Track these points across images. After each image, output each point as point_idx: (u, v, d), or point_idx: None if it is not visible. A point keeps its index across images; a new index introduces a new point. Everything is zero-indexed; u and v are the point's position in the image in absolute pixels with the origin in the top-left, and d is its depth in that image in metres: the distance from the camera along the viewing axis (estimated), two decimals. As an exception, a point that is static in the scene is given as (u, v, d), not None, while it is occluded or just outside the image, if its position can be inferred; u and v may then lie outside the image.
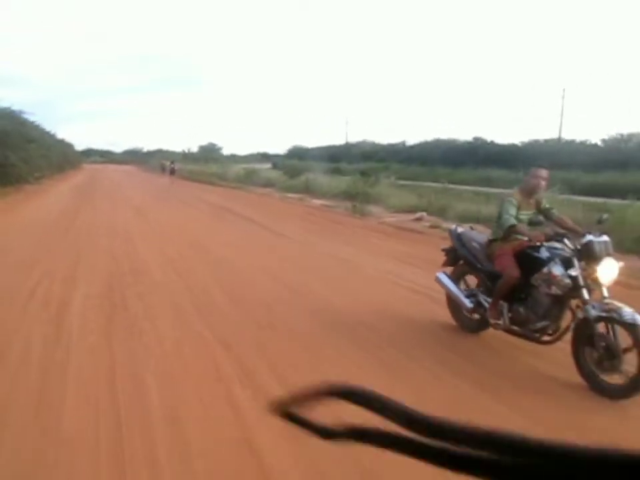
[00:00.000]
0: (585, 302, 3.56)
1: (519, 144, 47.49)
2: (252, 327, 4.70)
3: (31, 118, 27.67)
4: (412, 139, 66.51)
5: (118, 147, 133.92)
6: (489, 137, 51.73)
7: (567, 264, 3.69)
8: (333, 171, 33.43)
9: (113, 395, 3.25)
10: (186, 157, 65.56)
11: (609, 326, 3.45)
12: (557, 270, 3.72)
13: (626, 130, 45.74)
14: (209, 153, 75.56)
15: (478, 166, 40.41)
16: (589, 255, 3.60)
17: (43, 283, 6.15)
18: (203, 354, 4.02)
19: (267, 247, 9.28)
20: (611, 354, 3.39)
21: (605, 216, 4.19)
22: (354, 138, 70.85)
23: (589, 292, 3.59)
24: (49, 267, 6.98)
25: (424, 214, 12.92)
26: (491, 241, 4.40)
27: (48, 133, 37.41)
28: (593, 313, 3.46)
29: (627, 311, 3.34)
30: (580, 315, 3.59)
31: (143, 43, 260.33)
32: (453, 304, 4.75)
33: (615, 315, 3.38)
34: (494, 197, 13.39)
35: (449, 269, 4.89)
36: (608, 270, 3.57)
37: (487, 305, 4.31)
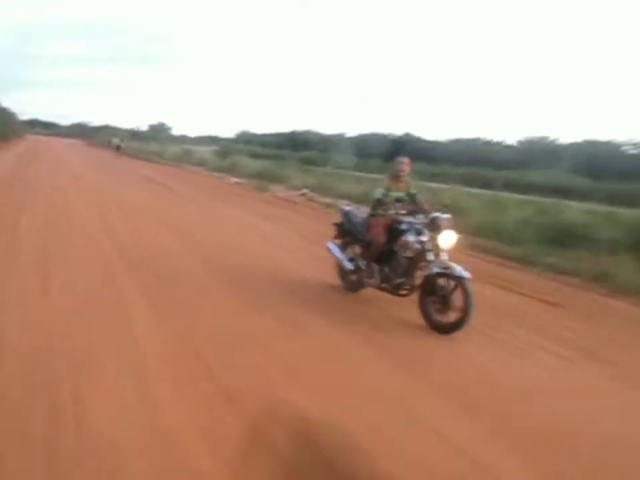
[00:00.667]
0: (429, 262, 4.72)
1: (444, 141, 52.38)
2: (144, 239, 8.02)
3: None
4: (353, 131, 70.36)
5: (65, 120, 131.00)
6: (420, 133, 56.44)
7: (419, 234, 4.88)
8: (275, 156, 36.43)
9: (43, 238, 6.52)
10: (134, 135, 66.39)
11: (446, 280, 4.58)
12: (410, 237, 4.92)
13: (541, 133, 51.03)
14: (158, 133, 76.51)
15: None
16: (434, 227, 4.78)
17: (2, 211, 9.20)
18: (94, 241, 7.31)
19: (172, 206, 12.53)
20: (446, 301, 4.54)
21: (449, 202, 6.17)
22: (302, 127, 74.35)
23: (434, 255, 4.74)
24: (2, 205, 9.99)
25: (307, 190, 16.43)
26: (369, 216, 5.54)
27: None
28: (435, 270, 4.63)
29: (458, 268, 4.49)
30: (426, 272, 4.74)
31: (99, 11, 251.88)
32: (339, 268, 5.88)
33: (449, 271, 4.53)
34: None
35: (341, 242, 5.99)
36: (447, 239, 4.70)
37: (364, 268, 5.48)
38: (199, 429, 2.73)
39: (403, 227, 5.06)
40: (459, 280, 4.43)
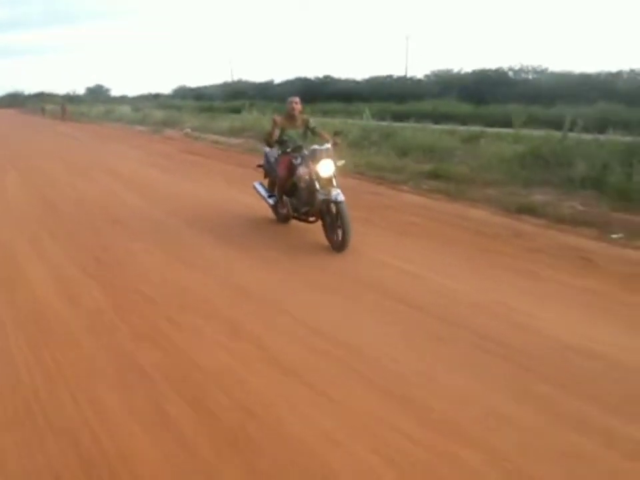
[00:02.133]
0: (317, 191, 5.12)
1: (361, 80, 56.27)
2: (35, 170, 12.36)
3: None
4: (280, 78, 73.45)
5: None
6: (340, 75, 59.95)
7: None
8: (207, 108, 39.48)
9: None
10: (71, 99, 67.43)
11: (332, 204, 5.07)
12: (300, 170, 5.38)
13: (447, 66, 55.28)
14: (97, 95, 77.10)
15: (325, 101, 48.18)
16: (313, 158, 5.15)
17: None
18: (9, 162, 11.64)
19: (69, 148, 16.77)
20: (332, 222, 5.13)
21: (339, 130, 6.40)
22: (235, 77, 76.45)
23: (320, 183, 5.12)
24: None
25: (189, 130, 20.69)
26: (279, 155, 5.96)
27: None
28: (319, 197, 5.09)
29: (334, 193, 4.98)
30: (316, 199, 5.16)
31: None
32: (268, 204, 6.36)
33: (329, 197, 5.01)
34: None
35: (266, 181, 6.57)
36: (325, 168, 5.09)
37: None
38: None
39: (296, 161, 5.52)
40: (336, 204, 4.97)
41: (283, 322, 3.59)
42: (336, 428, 2.42)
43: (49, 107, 47.40)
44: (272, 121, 5.94)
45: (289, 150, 5.63)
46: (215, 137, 17.90)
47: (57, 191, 8.88)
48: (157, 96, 76.54)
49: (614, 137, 8.72)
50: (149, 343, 3.32)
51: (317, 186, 5.13)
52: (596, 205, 6.61)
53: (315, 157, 5.15)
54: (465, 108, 32.82)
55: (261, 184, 6.63)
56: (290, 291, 4.18)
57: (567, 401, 2.63)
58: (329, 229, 5.21)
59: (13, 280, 4.66)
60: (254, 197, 6.93)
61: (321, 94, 50.00)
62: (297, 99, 5.89)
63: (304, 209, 5.59)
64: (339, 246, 5.03)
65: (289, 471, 2.16)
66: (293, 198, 5.81)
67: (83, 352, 3.25)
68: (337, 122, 15.26)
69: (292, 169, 5.63)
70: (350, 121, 15.87)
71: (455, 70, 50.91)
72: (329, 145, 5.27)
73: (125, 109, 34.81)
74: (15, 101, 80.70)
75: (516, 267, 4.62)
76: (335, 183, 5.14)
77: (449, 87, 44.04)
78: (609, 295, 3.97)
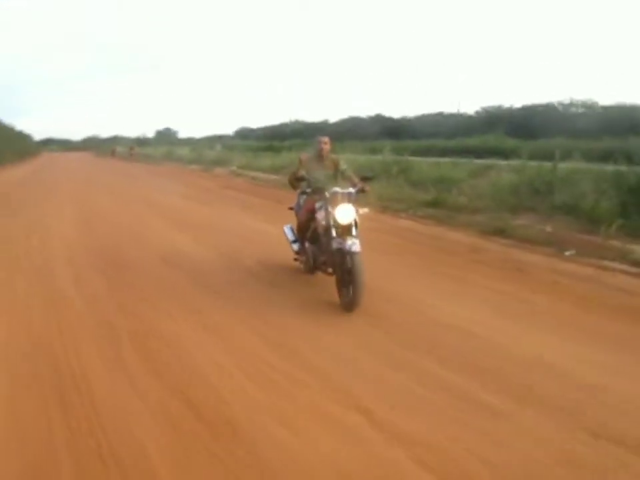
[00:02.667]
0: (332, 238, 4.49)
1: (411, 117, 57.41)
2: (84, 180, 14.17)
3: None
4: (335, 117, 75.97)
5: (77, 135, 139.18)
6: (390, 112, 61.54)
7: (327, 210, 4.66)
8: (264, 147, 41.83)
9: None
10: (140, 142, 72.81)
11: (347, 255, 4.34)
12: (319, 214, 4.80)
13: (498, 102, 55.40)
14: (165, 137, 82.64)
15: (375, 139, 49.35)
16: (332, 202, 4.58)
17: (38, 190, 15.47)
18: (70, 191, 13.45)
19: (125, 183, 18.68)
20: (344, 275, 4.38)
21: (370, 175, 5.62)
22: (293, 117, 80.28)
23: (337, 230, 4.52)
24: (36, 186, 16.27)
25: (234, 167, 22.36)
26: (305, 197, 5.35)
27: (7, 126, 45.35)
28: (334, 245, 4.44)
29: (349, 242, 4.31)
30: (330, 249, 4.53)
31: (97, 29, 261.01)
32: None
33: (343, 246, 4.35)
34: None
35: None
36: (343, 213, 4.49)
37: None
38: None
39: (318, 204, 4.90)
40: (351, 255, 4.29)
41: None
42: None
43: (119, 148, 51.83)
44: (298, 160, 5.51)
45: (309, 191, 5.09)
46: (255, 174, 19.36)
47: (99, 218, 10.25)
48: (220, 137, 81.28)
49: (607, 167, 9.12)
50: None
51: (333, 233, 4.53)
52: (566, 227, 7.11)
53: (334, 200, 4.60)
54: (512, 143, 32.37)
55: (291, 228, 5.83)
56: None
57: (425, 362, 3.34)
58: (340, 283, 4.50)
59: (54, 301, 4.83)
60: (271, 226, 7.60)
61: (371, 132, 51.68)
62: (326, 139, 5.36)
63: (321, 258, 4.98)
64: (347, 303, 4.34)
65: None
66: (315, 245, 5.17)
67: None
68: (361, 159, 16.22)
69: (313, 212, 5.02)
70: (376, 157, 16.88)
71: (505, 105, 50.99)
72: (352, 190, 4.74)
73: (184, 150, 37.56)
74: (91, 144, 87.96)
75: (452, 274, 5.32)
76: (354, 232, 4.50)
77: (498, 122, 43.65)
78: (513, 294, 4.63)
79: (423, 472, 2.26)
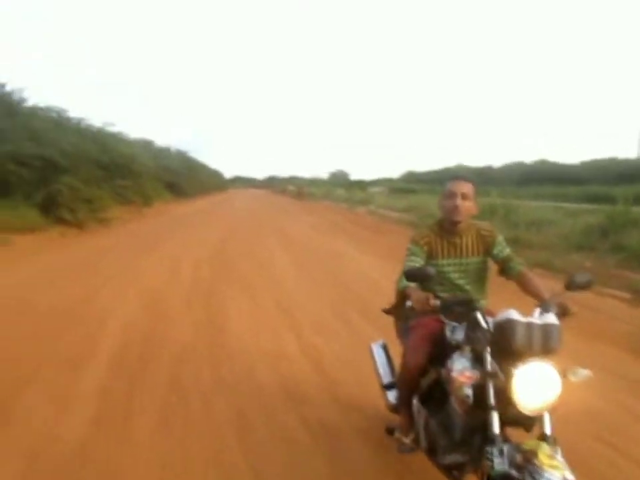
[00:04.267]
0: (491, 441, 1.83)
1: (577, 163, 53.35)
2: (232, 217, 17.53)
3: (194, 155, 44.16)
4: (499, 162, 73.56)
5: (260, 174, 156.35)
6: (557, 157, 57.86)
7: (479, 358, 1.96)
8: (422, 190, 43.52)
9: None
10: (314, 182, 79.95)
11: None
12: (456, 366, 2.02)
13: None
14: (338, 179, 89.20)
15: (538, 185, 45.46)
16: (504, 347, 1.88)
17: (214, 215, 19.62)
18: (239, 217, 16.91)
19: (277, 216, 21.98)
20: None
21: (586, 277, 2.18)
22: (457, 161, 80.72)
23: (506, 414, 1.88)
24: (215, 211, 20.54)
25: (373, 207, 24.45)
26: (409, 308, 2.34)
27: (203, 164, 54.94)
28: (498, 467, 1.75)
29: (554, 475, 1.62)
30: (485, 466, 1.82)
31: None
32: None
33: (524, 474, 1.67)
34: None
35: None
36: (535, 383, 1.79)
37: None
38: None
39: (457, 335, 2.17)
40: None
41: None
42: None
43: (290, 187, 58.01)
44: (412, 246, 2.56)
45: (439, 303, 2.12)
46: (386, 212, 21.19)
47: (236, 241, 13.08)
48: (388, 180, 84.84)
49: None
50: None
51: (496, 424, 1.85)
52: (606, 264, 7.62)
53: (505, 341, 1.88)
54: None
55: (384, 347, 3.14)
56: None
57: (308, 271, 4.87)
58: None
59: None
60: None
61: (535, 178, 49.30)
62: (467, 186, 2.48)
63: (452, 457, 2.16)
64: None
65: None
66: (435, 415, 2.30)
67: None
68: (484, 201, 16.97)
69: (438, 350, 2.31)
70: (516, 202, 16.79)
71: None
72: (556, 321, 1.92)
73: (340, 191, 41.09)
74: (271, 182, 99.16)
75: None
76: (548, 426, 1.86)
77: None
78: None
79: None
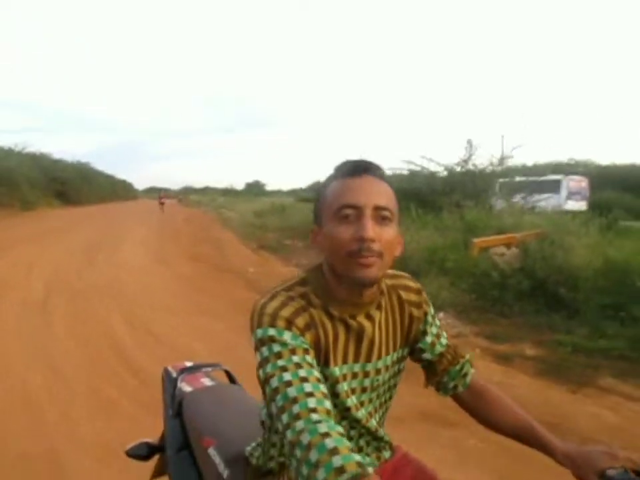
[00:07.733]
0: None
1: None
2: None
3: (95, 165, 51.30)
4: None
5: (175, 185, 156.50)
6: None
7: None
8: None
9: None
10: (228, 192, 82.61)
11: None
12: None
13: None
14: (254, 189, 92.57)
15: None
16: None
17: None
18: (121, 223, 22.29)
19: (146, 220, 27.37)
20: None
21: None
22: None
23: None
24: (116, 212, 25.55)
25: (224, 210, 30.47)
26: None
27: (109, 175, 61.35)
28: None
29: None
30: None
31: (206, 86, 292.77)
32: None
33: None
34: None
35: None
36: None
37: None
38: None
39: None
40: None
41: None
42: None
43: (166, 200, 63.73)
44: (269, 347, 0.92)
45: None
46: (225, 212, 27.19)
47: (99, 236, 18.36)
48: (297, 190, 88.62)
49: None
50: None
51: None
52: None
53: None
54: None
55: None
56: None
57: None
58: None
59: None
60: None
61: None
62: (381, 189, 0.98)
63: None
64: None
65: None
66: None
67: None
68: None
69: None
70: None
71: None
72: None
73: (222, 199, 47.14)
74: (187, 193, 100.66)
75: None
76: None
77: None
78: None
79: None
